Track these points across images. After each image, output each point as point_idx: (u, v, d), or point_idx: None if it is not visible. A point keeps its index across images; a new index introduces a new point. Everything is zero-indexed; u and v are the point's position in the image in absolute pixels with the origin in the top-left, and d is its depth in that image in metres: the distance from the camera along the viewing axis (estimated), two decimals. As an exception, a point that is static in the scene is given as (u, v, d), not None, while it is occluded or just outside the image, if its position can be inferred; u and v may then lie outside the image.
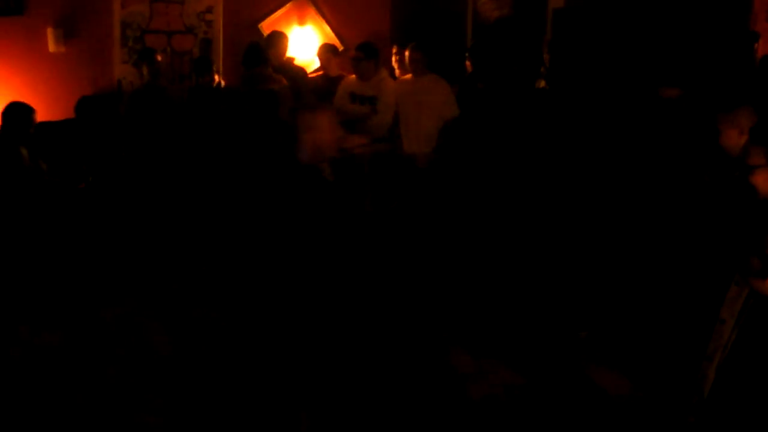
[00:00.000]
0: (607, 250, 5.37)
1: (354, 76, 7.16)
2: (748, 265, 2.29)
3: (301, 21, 8.59)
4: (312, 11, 8.60)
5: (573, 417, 4.48)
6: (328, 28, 8.61)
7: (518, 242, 5.94)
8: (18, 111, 6.12)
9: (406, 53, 7.02)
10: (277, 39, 7.37)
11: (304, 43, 8.44)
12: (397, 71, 7.35)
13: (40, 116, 6.54)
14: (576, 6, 8.57)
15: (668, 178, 5.00)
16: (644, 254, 5.05)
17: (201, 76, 7.44)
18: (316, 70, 7.98)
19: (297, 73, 7.41)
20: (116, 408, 4.47)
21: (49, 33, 8.19)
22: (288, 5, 8.55)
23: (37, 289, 5.96)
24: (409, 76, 7.06)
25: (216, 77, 7.49)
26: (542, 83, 6.75)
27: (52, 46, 8.23)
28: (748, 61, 7.14)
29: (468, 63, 7.22)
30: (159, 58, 7.56)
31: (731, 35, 7.70)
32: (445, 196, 6.54)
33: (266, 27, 8.33)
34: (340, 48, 8.28)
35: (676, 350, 4.39)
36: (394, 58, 7.39)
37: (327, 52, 7.77)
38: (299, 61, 7.97)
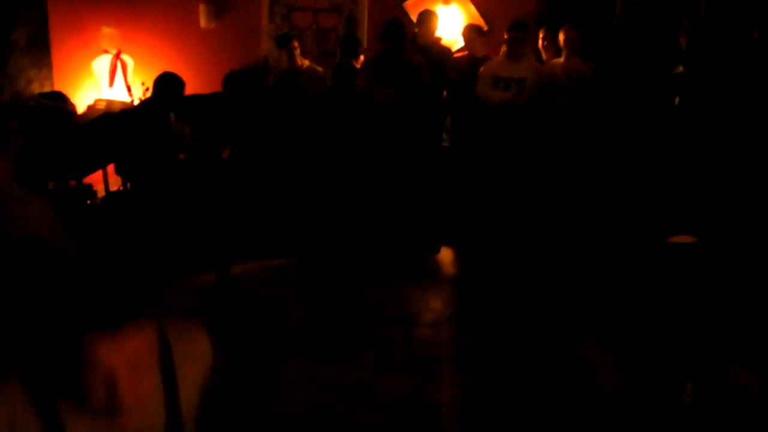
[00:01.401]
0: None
1: (497, 58, 7.02)
2: None
3: (446, 0, 8.52)
4: (457, -10, 8.53)
5: (709, 410, 4.29)
6: (473, 8, 8.50)
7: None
8: (169, 80, 6.33)
9: (561, 33, 6.82)
10: (427, 17, 7.32)
11: (449, 23, 8.37)
12: (544, 54, 7.16)
13: (191, 89, 6.74)
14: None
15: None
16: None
17: (348, 55, 7.47)
18: (459, 50, 7.89)
19: (442, 52, 7.36)
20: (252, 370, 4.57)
21: (201, 9, 8.44)
22: (434, -16, 8.51)
23: (176, 251, 6.17)
24: (561, 59, 6.86)
25: (361, 57, 7.51)
26: (680, 68, 6.44)
27: (203, 22, 8.48)
28: None
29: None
30: (296, 44, 7.64)
31: None
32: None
33: (411, 6, 8.30)
34: (485, 28, 8.16)
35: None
36: (541, 41, 7.20)
37: (472, 32, 7.64)
38: (444, 41, 7.90)
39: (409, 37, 7.18)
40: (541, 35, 7.21)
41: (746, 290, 5.15)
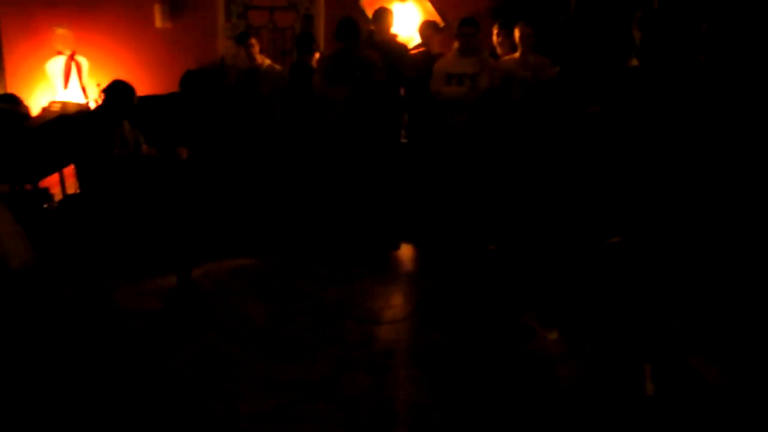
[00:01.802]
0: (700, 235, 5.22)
1: (450, 54, 7.06)
2: None
3: (403, -3, 8.55)
4: (413, -13, 8.55)
5: (670, 401, 4.37)
6: (429, 5, 8.54)
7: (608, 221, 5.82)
8: (119, 88, 6.30)
9: (516, 30, 6.89)
10: (382, 14, 7.34)
11: (406, 20, 8.40)
12: (499, 50, 7.23)
13: (147, 90, 6.72)
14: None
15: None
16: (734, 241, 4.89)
17: (303, 54, 7.47)
18: (416, 47, 7.92)
19: (398, 49, 7.38)
20: (215, 371, 4.56)
21: (156, 9, 8.40)
22: (390, -19, 8.53)
23: (135, 254, 6.15)
24: (517, 54, 6.93)
25: (317, 54, 7.51)
26: (634, 62, 6.54)
27: (158, 22, 8.44)
28: None
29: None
30: (254, 41, 7.63)
31: None
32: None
33: (367, 3, 8.33)
34: (442, 24, 8.21)
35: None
36: (495, 38, 7.26)
37: (429, 28, 7.69)
38: (401, 38, 7.93)
39: (365, 35, 7.20)
40: (495, 31, 7.28)
41: (693, 283, 5.25)
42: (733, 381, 4.53)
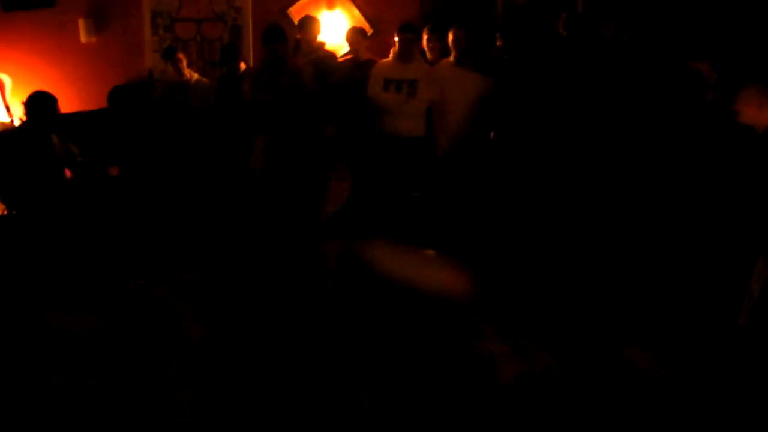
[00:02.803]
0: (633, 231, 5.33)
1: (387, 60, 7.07)
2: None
3: (330, 5, 8.56)
4: (341, -5, 8.58)
5: (609, 395, 4.44)
6: (357, 12, 8.58)
7: (551, 222, 5.90)
8: (39, 99, 6.13)
9: (450, 34, 6.92)
10: (308, 23, 7.33)
11: (333, 27, 8.41)
12: (428, 54, 7.26)
13: (73, 107, 6.61)
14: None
15: (697, 156, 4.93)
16: (673, 234, 5.01)
17: (227, 64, 7.42)
18: (345, 54, 7.94)
19: (326, 57, 7.38)
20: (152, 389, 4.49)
21: (81, 24, 8.26)
22: (317, -10, 8.55)
23: (69, 273, 6.02)
24: (450, 58, 6.97)
25: (242, 65, 7.46)
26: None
27: (83, 37, 8.30)
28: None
29: (499, 43, 7.16)
30: (181, 56, 7.56)
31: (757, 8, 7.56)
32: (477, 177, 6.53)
33: (295, 12, 8.33)
34: (369, 31, 8.24)
35: (705, 324, 4.36)
36: (426, 42, 7.29)
37: (357, 35, 7.70)
38: (329, 46, 7.93)
39: (292, 44, 7.18)
40: (425, 36, 7.31)
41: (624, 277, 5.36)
42: (668, 371, 4.63)
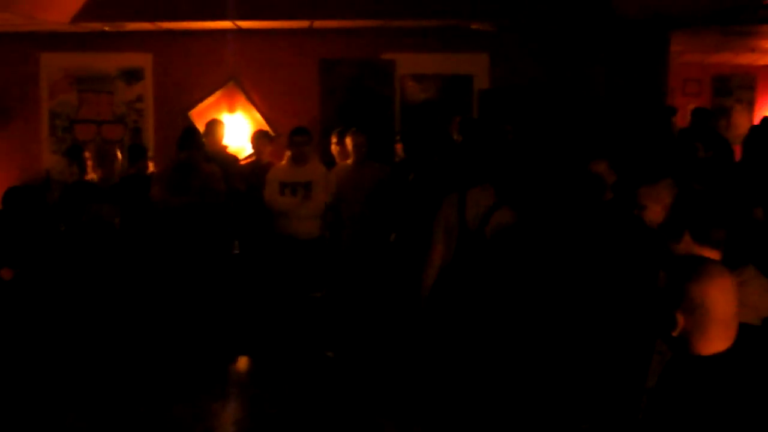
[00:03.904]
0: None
1: (282, 163, 7.10)
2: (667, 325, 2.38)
3: (231, 108, 8.68)
4: (242, 98, 8.70)
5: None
6: (258, 115, 8.70)
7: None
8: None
9: (348, 138, 7.08)
10: (214, 127, 7.43)
11: (235, 130, 8.51)
12: (337, 159, 7.38)
13: (-33, 208, 6.45)
14: (502, 87, 8.84)
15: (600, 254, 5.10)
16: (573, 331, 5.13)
17: (135, 164, 7.39)
18: (248, 157, 8.03)
19: (228, 160, 7.44)
20: None
21: (-24, 124, 8.15)
22: (218, 93, 8.65)
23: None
24: (349, 161, 7.11)
25: (150, 164, 7.45)
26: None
27: (-22, 137, 8.18)
28: (667, 134, 7.40)
29: (399, 146, 7.36)
30: (87, 154, 7.50)
31: (649, 110, 8.01)
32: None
33: (196, 114, 8.40)
34: (273, 134, 8.36)
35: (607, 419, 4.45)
36: (334, 146, 7.42)
37: (261, 138, 7.79)
38: (231, 149, 8.01)
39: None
40: (334, 140, 7.44)
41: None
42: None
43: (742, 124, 11.67)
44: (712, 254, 3.25)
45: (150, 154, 7.85)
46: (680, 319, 2.26)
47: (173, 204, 6.80)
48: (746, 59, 12.15)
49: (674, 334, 2.29)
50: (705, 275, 2.27)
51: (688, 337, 2.27)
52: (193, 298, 6.84)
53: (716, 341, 2.26)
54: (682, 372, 2.32)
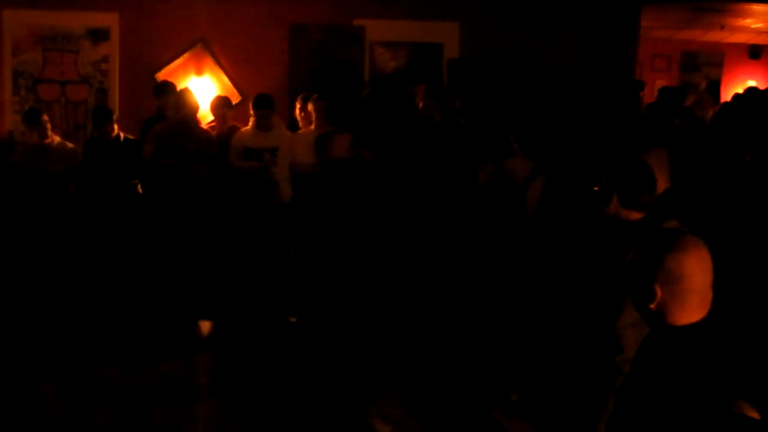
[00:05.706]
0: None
1: (247, 128, 7.11)
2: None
3: (199, 71, 8.57)
4: (210, 61, 8.60)
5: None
6: (225, 79, 8.61)
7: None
8: None
9: (309, 104, 7.04)
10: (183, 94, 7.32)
11: (202, 94, 8.41)
12: (300, 123, 7.34)
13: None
14: (471, 57, 8.82)
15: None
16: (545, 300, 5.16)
17: (100, 127, 7.27)
18: (209, 123, 7.93)
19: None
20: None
21: (-63, 82, 7.98)
22: (185, 55, 8.53)
23: None
24: (311, 127, 7.07)
25: (115, 127, 7.33)
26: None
27: (-61, 96, 8.02)
28: (634, 108, 7.43)
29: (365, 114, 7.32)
30: (45, 118, 7.37)
31: (618, 83, 8.04)
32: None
33: (163, 76, 8.28)
34: (236, 99, 8.28)
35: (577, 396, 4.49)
36: (298, 111, 7.36)
37: (220, 104, 7.71)
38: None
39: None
40: (298, 105, 7.38)
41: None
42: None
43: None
44: (636, 216, 3.54)
45: (115, 116, 7.72)
46: (658, 291, 2.29)
47: (164, 164, 6.78)
48: (715, 36, 12.24)
49: (652, 306, 2.31)
50: (682, 247, 2.30)
51: (664, 309, 2.31)
52: (167, 259, 6.84)
53: (692, 311, 2.30)
54: (660, 342, 2.35)
